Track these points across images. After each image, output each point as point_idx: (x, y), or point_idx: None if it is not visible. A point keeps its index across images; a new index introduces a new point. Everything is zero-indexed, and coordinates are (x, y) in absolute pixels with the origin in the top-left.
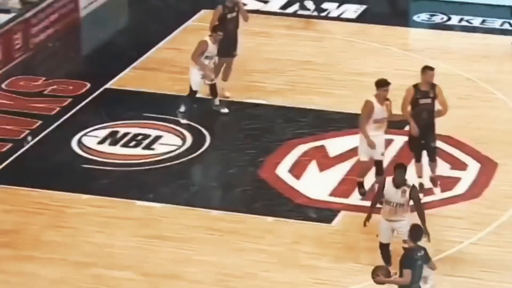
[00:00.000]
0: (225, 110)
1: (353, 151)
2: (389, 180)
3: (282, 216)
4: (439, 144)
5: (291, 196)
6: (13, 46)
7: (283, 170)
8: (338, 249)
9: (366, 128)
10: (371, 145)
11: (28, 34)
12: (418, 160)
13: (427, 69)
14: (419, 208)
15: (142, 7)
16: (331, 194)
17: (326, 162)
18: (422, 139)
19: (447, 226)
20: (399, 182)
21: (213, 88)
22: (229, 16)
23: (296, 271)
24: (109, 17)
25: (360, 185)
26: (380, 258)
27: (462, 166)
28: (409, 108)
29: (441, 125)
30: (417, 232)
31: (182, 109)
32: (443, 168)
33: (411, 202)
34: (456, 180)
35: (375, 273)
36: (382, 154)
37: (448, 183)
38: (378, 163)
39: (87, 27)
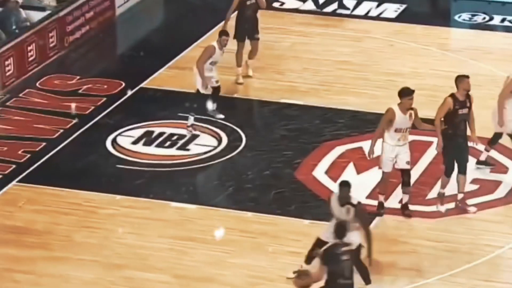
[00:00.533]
0: (220, 116)
1: None
2: (334, 197)
3: (319, 219)
4: (480, 147)
5: (327, 198)
6: (48, 44)
7: (320, 172)
8: (375, 252)
9: (377, 134)
10: (370, 153)
11: (63, 32)
12: (449, 174)
13: (464, 78)
14: (365, 228)
15: (178, 5)
16: (369, 197)
17: (363, 163)
18: (458, 152)
19: (486, 230)
20: (343, 200)
21: (216, 92)
22: (248, 2)
23: None
24: (144, 15)
25: (380, 206)
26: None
27: (503, 169)
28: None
29: (482, 127)
30: (339, 228)
31: (210, 107)
32: (483, 171)
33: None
34: (497, 183)
35: (297, 278)
36: (408, 163)
37: (489, 186)
38: (404, 172)
39: (122, 25)
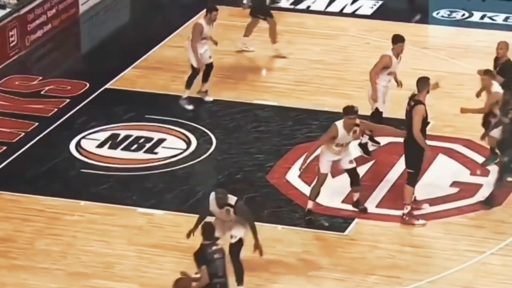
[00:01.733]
0: (209, 99)
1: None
2: (213, 199)
3: (292, 224)
4: (460, 148)
5: (302, 203)
6: (8, 43)
7: (293, 175)
8: (351, 259)
9: (313, 149)
10: (302, 167)
11: (24, 31)
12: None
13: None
14: (250, 223)
15: (145, 2)
16: (344, 201)
17: (338, 167)
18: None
19: (467, 235)
20: (220, 203)
21: (208, 70)
22: None
23: (305, 283)
24: (110, 13)
25: (309, 212)
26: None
27: (483, 172)
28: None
29: (461, 128)
30: (206, 229)
31: (186, 95)
32: (463, 174)
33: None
34: (477, 186)
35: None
36: (351, 162)
37: (469, 189)
38: (350, 172)
39: (86, 23)
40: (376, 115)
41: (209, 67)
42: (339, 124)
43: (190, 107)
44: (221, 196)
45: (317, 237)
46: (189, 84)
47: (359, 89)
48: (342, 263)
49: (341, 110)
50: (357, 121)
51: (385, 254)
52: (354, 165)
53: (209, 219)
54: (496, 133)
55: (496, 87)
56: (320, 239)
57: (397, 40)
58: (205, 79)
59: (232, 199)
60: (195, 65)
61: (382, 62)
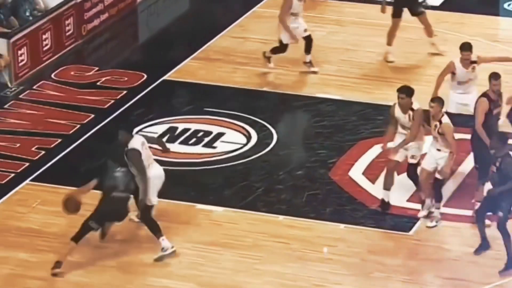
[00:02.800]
0: (315, 69)
1: None
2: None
3: (355, 223)
4: None
5: (365, 201)
6: (64, 32)
7: (356, 172)
8: (417, 260)
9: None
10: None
11: (80, 20)
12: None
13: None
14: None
15: None
16: (410, 200)
17: (404, 164)
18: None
19: None
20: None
21: (308, 42)
22: None
23: (368, 284)
24: (168, 1)
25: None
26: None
27: None
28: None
29: None
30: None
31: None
32: None
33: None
34: None
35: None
36: (413, 157)
37: None
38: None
39: (144, 12)
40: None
41: (308, 39)
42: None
43: (315, 69)
44: (122, 135)
45: (381, 237)
46: (268, 57)
47: (428, 83)
48: (407, 264)
49: None
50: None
51: (452, 255)
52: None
53: None
54: None
55: None
56: (384, 239)
57: (462, 48)
58: (307, 50)
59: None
60: (284, 40)
61: (446, 69)
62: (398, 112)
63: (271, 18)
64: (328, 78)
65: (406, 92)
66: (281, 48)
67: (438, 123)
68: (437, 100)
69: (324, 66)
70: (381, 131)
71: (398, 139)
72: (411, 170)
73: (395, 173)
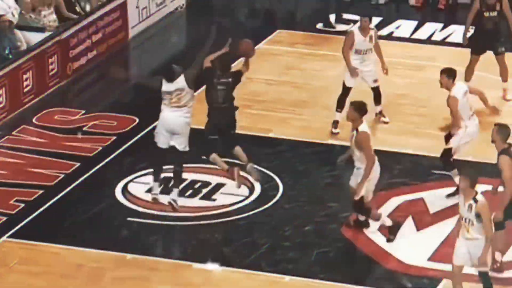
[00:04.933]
0: (386, 120)
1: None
2: None
3: (371, 285)
4: None
5: (382, 260)
6: (48, 72)
7: (372, 228)
8: None
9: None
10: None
11: (65, 58)
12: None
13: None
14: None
15: (203, 26)
16: (431, 259)
17: (425, 219)
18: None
19: None
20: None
21: (376, 92)
22: (487, 14)
23: None
24: (163, 38)
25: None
26: None
27: None
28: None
29: None
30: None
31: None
32: None
33: None
34: None
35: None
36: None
37: None
38: None
39: (136, 49)
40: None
41: (375, 91)
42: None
43: (386, 119)
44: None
45: None
46: (339, 105)
47: (449, 128)
48: None
49: (428, 153)
50: None
51: None
52: None
53: None
54: None
55: None
56: None
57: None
58: (376, 101)
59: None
60: (346, 82)
61: (347, 40)
62: None
63: (278, 56)
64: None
65: None
66: (343, 92)
67: (355, 132)
68: (354, 104)
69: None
70: (398, 182)
71: None
72: None
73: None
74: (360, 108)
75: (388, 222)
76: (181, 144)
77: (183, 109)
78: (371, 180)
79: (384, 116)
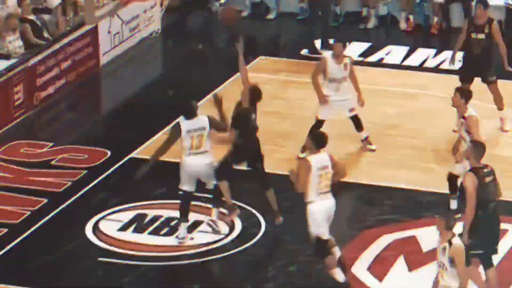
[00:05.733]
0: (372, 147)
1: None
2: None
3: None
4: None
5: None
6: (13, 102)
7: (361, 267)
8: None
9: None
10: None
11: (32, 87)
12: None
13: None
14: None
15: (180, 53)
16: None
17: (417, 258)
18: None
19: None
20: None
21: (355, 120)
22: (474, 36)
23: None
24: (137, 66)
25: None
26: None
27: None
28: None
29: None
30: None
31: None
32: None
33: None
34: None
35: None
36: None
37: None
38: None
39: (109, 77)
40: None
41: (354, 119)
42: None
43: (373, 147)
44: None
45: None
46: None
47: (443, 161)
48: None
49: (420, 187)
50: None
51: None
52: None
53: None
54: None
55: None
56: None
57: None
58: (358, 128)
59: None
60: (319, 115)
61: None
62: None
63: (260, 85)
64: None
65: None
66: (316, 124)
67: None
68: (313, 134)
69: None
70: (389, 218)
71: None
72: None
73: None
74: (317, 139)
75: (340, 278)
76: (210, 179)
77: (207, 155)
78: (317, 215)
79: (370, 144)
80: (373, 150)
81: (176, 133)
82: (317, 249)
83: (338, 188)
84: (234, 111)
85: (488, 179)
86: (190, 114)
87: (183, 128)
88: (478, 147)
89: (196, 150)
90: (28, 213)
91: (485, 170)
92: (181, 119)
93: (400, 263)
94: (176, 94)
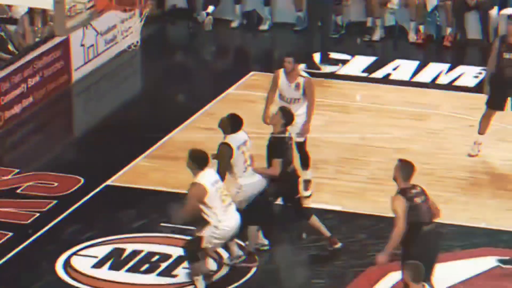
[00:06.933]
0: (307, 194)
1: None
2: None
3: None
4: None
5: None
6: None
7: None
8: None
9: None
10: None
11: None
12: None
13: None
14: None
15: (162, 67)
16: None
17: None
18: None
19: None
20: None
21: (301, 151)
22: (506, 56)
23: None
24: (113, 82)
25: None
26: None
27: None
28: None
29: None
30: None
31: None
32: None
33: None
34: None
35: None
36: None
37: None
38: None
39: (82, 96)
40: None
41: (300, 148)
42: None
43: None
44: None
45: None
46: None
47: (456, 189)
48: None
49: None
50: None
51: None
52: None
53: None
54: None
55: None
56: None
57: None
58: (304, 164)
59: None
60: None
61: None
62: None
63: (252, 104)
64: (324, 183)
65: None
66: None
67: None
68: (192, 152)
69: (320, 167)
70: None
71: None
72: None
73: None
74: (196, 158)
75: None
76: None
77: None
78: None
79: (307, 189)
80: (308, 197)
81: (227, 153)
82: (189, 248)
83: (344, 219)
84: (270, 139)
85: (418, 200)
86: (237, 126)
87: (234, 147)
88: (407, 167)
89: (250, 168)
90: None
91: (414, 191)
92: (227, 137)
93: None
94: (156, 113)
